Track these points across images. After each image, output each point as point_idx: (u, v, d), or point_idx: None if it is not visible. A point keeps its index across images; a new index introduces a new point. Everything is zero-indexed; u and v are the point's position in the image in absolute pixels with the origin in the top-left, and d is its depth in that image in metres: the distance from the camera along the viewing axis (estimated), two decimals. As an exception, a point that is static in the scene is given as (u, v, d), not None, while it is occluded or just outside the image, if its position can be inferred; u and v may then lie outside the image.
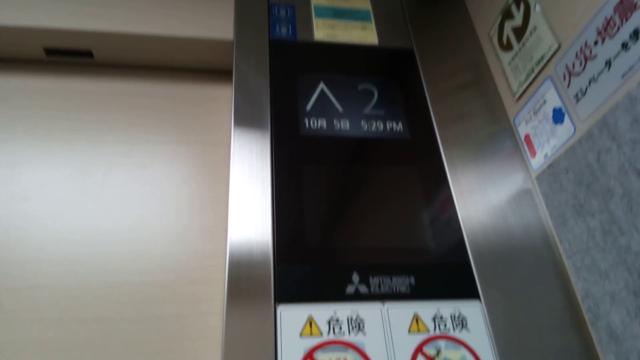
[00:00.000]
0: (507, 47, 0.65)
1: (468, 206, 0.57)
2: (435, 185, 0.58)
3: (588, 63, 0.50)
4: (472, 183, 0.59)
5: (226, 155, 0.62)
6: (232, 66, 0.65)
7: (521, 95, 0.62)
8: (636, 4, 0.44)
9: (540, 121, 0.58)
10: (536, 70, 0.58)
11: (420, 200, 0.56)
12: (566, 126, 0.53)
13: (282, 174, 0.55)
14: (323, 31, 0.70)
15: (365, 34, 0.71)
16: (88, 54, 0.71)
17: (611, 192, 0.46)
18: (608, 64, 0.47)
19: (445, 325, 0.47)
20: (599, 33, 0.48)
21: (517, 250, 0.53)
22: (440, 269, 0.50)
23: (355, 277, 0.48)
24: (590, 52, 0.49)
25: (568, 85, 0.53)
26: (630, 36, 0.44)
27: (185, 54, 0.73)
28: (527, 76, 0.60)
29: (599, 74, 0.48)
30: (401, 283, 0.48)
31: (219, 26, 0.71)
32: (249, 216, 0.52)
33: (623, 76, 0.45)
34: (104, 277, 0.57)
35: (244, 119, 0.59)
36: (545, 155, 0.56)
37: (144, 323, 0.54)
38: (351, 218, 0.54)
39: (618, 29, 0.45)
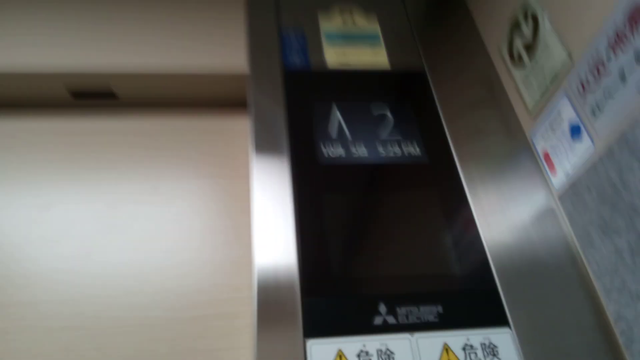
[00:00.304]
0: (519, 63, 0.65)
1: (491, 227, 0.56)
2: (456, 207, 0.58)
3: (602, 78, 0.50)
4: (493, 203, 0.59)
5: (246, 187, 0.64)
6: (247, 98, 0.66)
7: (535, 111, 0.62)
8: (649, 22, 0.43)
9: (559, 138, 0.57)
10: (550, 87, 0.58)
11: (441, 223, 0.56)
12: (585, 143, 0.53)
13: (303, 204, 0.56)
14: (335, 58, 0.71)
15: (377, 59, 0.72)
16: (111, 95, 0.74)
17: (636, 210, 0.45)
18: (623, 78, 0.46)
19: (476, 354, 0.47)
20: (611, 46, 0.48)
21: (544, 272, 0.53)
22: (467, 296, 0.50)
23: (383, 308, 0.48)
24: (604, 66, 0.49)
25: (584, 101, 0.53)
26: (646, 54, 0.44)
27: (202, 89, 0.75)
28: (543, 94, 0.60)
29: (614, 89, 0.48)
30: (429, 312, 0.48)
31: (233, 60, 0.73)
32: (274, 247, 0.53)
33: (638, 89, 0.44)
34: (135, 314, 0.58)
35: (263, 149, 0.61)
36: (567, 174, 0.56)
37: (176, 356, 0.56)
38: (374, 246, 0.54)
39: (629, 41, 0.45)
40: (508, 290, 0.51)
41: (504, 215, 0.58)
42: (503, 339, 0.48)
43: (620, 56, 0.47)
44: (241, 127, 0.75)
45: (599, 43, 0.49)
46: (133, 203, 0.67)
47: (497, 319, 0.49)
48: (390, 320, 0.48)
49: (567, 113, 0.56)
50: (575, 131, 0.54)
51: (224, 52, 0.74)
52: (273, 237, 0.53)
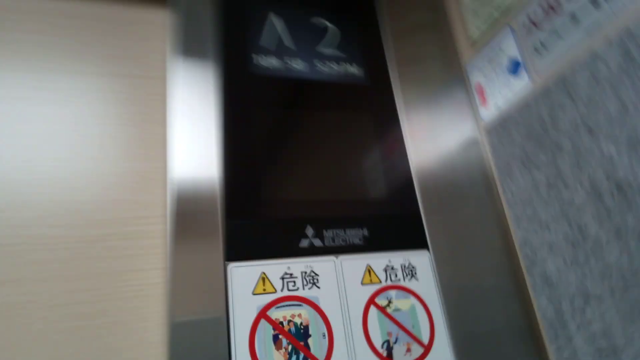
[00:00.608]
0: (467, -13, 0.62)
1: (419, 154, 0.56)
2: (389, 133, 0.56)
3: (553, 15, 0.49)
4: (424, 130, 0.58)
5: (161, 90, 0.55)
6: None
7: (477, 41, 0.60)
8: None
9: (495, 70, 0.57)
10: (495, 16, 0.57)
11: (373, 148, 0.54)
12: (522, 79, 0.53)
13: (229, 116, 0.49)
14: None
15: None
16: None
17: (560, 147, 0.47)
18: (575, 20, 0.46)
19: (396, 275, 0.48)
20: (565, -18, 0.46)
21: (463, 199, 0.54)
22: (392, 220, 0.50)
23: (310, 231, 0.46)
24: (559, 5, 0.48)
25: (528, 36, 0.52)
26: (599, -11, 0.43)
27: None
28: (485, 21, 0.58)
29: (564, 31, 0.47)
30: (355, 235, 0.48)
31: None
32: (193, 161, 0.47)
33: (588, 33, 0.44)
34: (19, 231, 0.49)
35: (186, 49, 0.52)
36: (498, 107, 0.56)
37: (70, 280, 0.49)
38: (303, 168, 0.51)
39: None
40: (429, 214, 0.52)
41: (433, 142, 0.57)
42: (421, 261, 0.49)
43: (573, -10, 0.45)
44: (160, 19, 0.63)
45: (554, -28, 0.48)
46: (18, 100, 0.54)
47: (417, 242, 0.50)
48: (317, 243, 0.46)
49: (509, 48, 0.55)
50: (514, 67, 0.54)
51: None
52: (193, 150, 0.47)
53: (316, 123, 0.53)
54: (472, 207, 0.55)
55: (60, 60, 0.57)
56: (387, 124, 0.56)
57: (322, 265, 0.45)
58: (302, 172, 0.50)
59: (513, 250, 0.53)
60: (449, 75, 0.62)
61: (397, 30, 0.63)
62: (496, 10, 0.56)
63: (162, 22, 0.60)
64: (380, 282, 0.47)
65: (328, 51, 0.57)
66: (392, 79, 0.60)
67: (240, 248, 0.43)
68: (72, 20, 0.60)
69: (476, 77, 0.60)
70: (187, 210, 0.44)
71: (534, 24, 0.51)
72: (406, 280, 0.48)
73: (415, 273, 0.49)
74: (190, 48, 0.51)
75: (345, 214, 0.49)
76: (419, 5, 0.66)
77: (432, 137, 0.58)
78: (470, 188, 0.56)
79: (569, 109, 0.46)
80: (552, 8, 0.48)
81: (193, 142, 0.47)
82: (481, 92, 0.59)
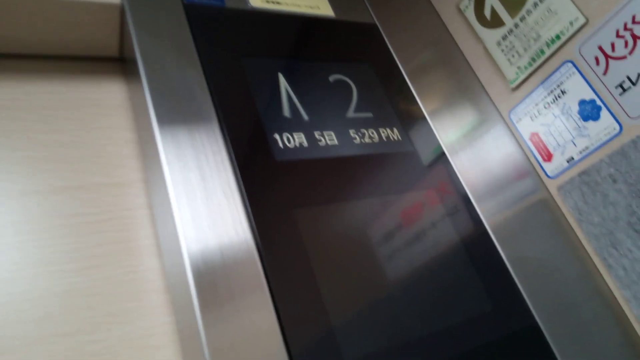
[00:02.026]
0: (494, 22, 0.52)
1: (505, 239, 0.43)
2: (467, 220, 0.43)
3: (639, 44, 0.40)
4: (496, 206, 0.45)
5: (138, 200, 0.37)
6: (123, 47, 0.38)
7: (521, 84, 0.50)
8: None
9: (558, 116, 0.47)
10: (547, 53, 0.47)
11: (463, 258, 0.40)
12: (604, 124, 0.43)
13: (274, 247, 0.33)
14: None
15: (316, 2, 0.51)
16: None
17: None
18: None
19: None
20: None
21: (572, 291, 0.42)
22: (514, 343, 0.36)
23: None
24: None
25: (605, 72, 0.42)
26: None
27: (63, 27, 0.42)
28: (533, 60, 0.48)
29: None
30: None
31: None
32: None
33: None
34: None
35: (173, 133, 0.35)
36: (570, 160, 0.46)
37: None
38: (385, 292, 0.35)
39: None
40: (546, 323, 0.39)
41: (504, 207, 0.45)
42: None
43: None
44: (108, 96, 0.45)
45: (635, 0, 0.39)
46: None
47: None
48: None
49: (573, 86, 0.45)
50: (588, 109, 0.44)
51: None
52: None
53: (376, 221, 0.38)
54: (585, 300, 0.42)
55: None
56: (462, 211, 0.43)
57: None
58: (385, 300, 0.34)
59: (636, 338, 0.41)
60: (485, 127, 0.51)
61: (416, 72, 0.51)
62: (546, 44, 0.47)
63: (112, 99, 0.43)
64: None
65: (359, 115, 0.43)
66: (438, 138, 0.47)
67: None
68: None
69: (528, 127, 0.50)
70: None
71: (610, 56, 0.42)
72: None
73: None
74: (180, 129, 0.34)
75: (466, 352, 0.33)
76: (422, 45, 0.55)
77: (502, 203, 0.46)
78: (561, 261, 0.44)
79: None
80: (634, 35, 0.39)
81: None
82: (541, 145, 0.49)
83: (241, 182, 0.34)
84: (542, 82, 0.48)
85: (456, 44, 0.57)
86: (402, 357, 0.31)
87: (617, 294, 0.43)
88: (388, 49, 0.51)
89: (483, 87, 0.55)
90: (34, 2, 0.38)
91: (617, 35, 0.41)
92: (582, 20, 0.43)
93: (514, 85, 0.51)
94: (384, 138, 0.43)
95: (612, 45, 0.41)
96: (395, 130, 0.44)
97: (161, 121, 0.34)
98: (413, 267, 0.36)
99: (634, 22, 0.40)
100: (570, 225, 0.46)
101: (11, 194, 0.38)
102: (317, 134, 0.39)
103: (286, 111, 0.39)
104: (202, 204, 0.32)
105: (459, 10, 0.56)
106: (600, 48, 0.42)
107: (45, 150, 0.41)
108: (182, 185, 0.32)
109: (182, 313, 0.32)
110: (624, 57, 0.41)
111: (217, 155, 0.35)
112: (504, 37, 0.51)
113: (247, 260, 0.31)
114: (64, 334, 0.34)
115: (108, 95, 0.46)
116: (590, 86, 0.44)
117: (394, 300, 0.33)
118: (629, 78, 0.40)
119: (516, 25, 0.50)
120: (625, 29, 0.40)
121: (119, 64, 0.47)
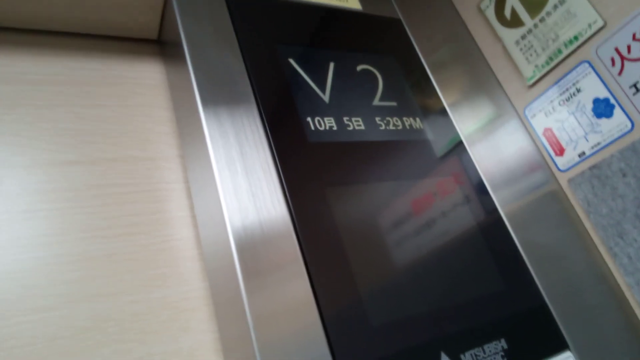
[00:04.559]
0: (513, 22, 0.55)
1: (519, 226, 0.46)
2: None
3: (653, 46, 0.42)
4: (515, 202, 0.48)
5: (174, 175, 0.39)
6: (163, 30, 0.40)
7: (537, 81, 0.53)
8: None
9: (572, 113, 0.49)
10: (565, 52, 0.49)
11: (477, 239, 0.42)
12: (617, 121, 0.45)
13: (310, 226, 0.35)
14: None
15: (344, -6, 0.53)
16: None
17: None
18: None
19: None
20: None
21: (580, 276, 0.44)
22: (525, 321, 0.38)
23: None
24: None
25: (620, 72, 0.45)
26: None
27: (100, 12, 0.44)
28: (551, 59, 0.51)
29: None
30: (494, 352, 0.35)
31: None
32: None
33: None
34: None
35: (216, 112, 0.37)
36: (582, 154, 0.48)
37: None
38: (409, 267, 0.37)
39: None
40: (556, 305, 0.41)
41: (518, 196, 0.47)
42: None
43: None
44: (150, 76, 0.47)
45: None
46: None
47: (557, 344, 0.38)
48: (454, 375, 0.33)
49: (589, 85, 0.47)
50: (601, 107, 0.47)
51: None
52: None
53: (400, 202, 0.41)
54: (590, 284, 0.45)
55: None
56: (479, 198, 0.45)
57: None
58: (409, 273, 0.37)
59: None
60: (503, 122, 0.53)
61: (438, 65, 0.53)
62: (564, 45, 0.49)
63: (154, 80, 0.45)
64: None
65: (380, 101, 0.46)
66: (457, 128, 0.49)
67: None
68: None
69: (542, 123, 0.52)
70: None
71: (626, 57, 0.44)
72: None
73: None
74: (222, 113, 0.37)
75: (477, 323, 0.36)
76: (440, 41, 0.57)
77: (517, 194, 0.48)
78: (569, 248, 0.46)
79: None
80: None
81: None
82: (553, 140, 0.51)
83: (277, 160, 0.36)
84: (558, 81, 0.50)
85: (475, 41, 0.60)
86: (423, 324, 0.34)
87: (621, 280, 0.45)
88: (411, 43, 0.54)
89: (500, 83, 0.57)
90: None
91: (634, 39, 0.43)
92: (600, 23, 0.46)
93: (530, 82, 0.53)
94: (407, 126, 0.45)
95: (629, 48, 0.44)
96: (417, 119, 0.47)
97: (204, 100, 0.37)
98: (434, 245, 0.39)
99: (650, 25, 0.42)
100: (579, 216, 0.49)
101: (55, 163, 0.41)
102: (345, 119, 0.42)
103: (317, 96, 0.41)
104: (242, 178, 0.34)
105: (480, 9, 0.58)
106: (617, 50, 0.45)
107: (86, 124, 0.44)
108: (225, 160, 0.35)
109: (221, 280, 0.35)
110: (639, 59, 0.43)
111: (256, 134, 0.37)
112: (523, 37, 0.53)
113: (284, 233, 0.34)
114: (107, 294, 0.36)
115: (145, 75, 0.48)
116: (605, 85, 0.46)
117: (417, 274, 0.36)
118: (642, 79, 0.43)
119: (535, 26, 0.52)
120: (641, 32, 0.42)
121: (156, 45, 0.49)
